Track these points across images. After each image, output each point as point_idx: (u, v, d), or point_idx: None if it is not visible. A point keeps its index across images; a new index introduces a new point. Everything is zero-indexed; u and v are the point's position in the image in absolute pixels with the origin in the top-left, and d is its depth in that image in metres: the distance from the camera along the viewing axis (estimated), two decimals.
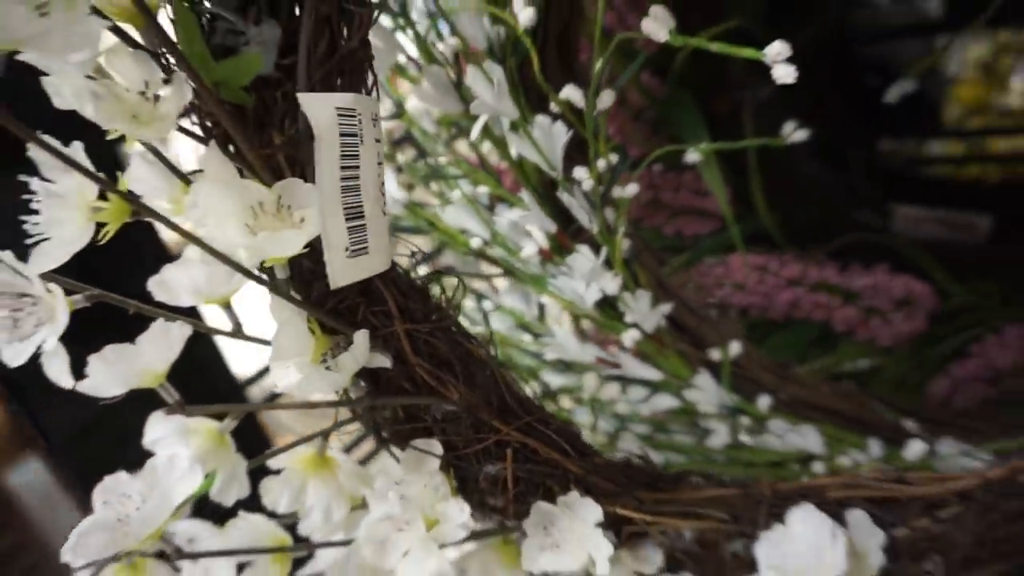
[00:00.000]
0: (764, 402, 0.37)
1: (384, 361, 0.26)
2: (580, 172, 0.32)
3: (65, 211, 0.19)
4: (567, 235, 0.36)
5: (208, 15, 0.20)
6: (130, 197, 0.19)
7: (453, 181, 0.36)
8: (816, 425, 0.36)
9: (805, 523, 0.26)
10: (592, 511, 0.27)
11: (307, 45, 0.21)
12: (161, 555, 0.23)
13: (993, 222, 0.43)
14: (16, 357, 0.21)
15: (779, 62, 0.21)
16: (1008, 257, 0.42)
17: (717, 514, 0.28)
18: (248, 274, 0.21)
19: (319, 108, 0.19)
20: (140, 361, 0.22)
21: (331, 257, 0.19)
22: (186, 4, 0.19)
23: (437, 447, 0.27)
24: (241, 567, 0.27)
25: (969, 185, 0.49)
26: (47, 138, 0.19)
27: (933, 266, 0.41)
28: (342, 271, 0.20)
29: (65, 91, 0.20)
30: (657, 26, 0.25)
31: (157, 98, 0.20)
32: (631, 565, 0.28)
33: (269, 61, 0.21)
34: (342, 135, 0.19)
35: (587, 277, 0.36)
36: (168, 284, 0.24)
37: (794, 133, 0.32)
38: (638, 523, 0.28)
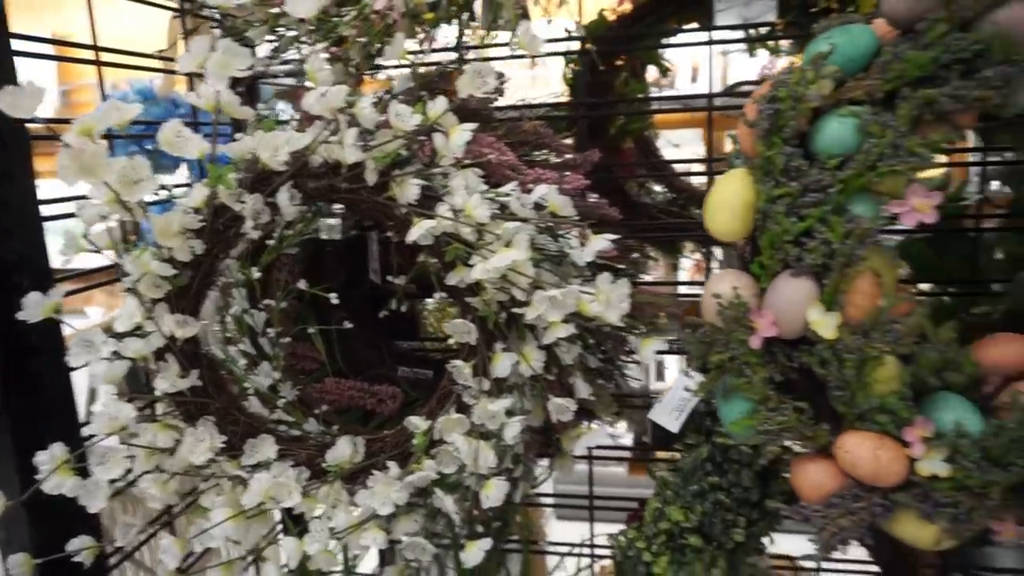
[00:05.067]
0: (334, 429, 0.93)
1: None
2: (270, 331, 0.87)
3: None
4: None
5: None
6: None
7: None
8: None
9: None
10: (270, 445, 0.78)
11: None
12: None
13: (434, 375, 1.09)
14: None
15: (333, 297, 0.81)
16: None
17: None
18: None
19: None
20: None
21: None
22: None
23: None
24: None
25: (426, 358, 1.17)
26: None
27: (408, 388, 1.05)
28: None
29: None
30: (303, 286, 0.84)
31: None
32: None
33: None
34: None
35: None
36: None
37: (346, 325, 0.92)
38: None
